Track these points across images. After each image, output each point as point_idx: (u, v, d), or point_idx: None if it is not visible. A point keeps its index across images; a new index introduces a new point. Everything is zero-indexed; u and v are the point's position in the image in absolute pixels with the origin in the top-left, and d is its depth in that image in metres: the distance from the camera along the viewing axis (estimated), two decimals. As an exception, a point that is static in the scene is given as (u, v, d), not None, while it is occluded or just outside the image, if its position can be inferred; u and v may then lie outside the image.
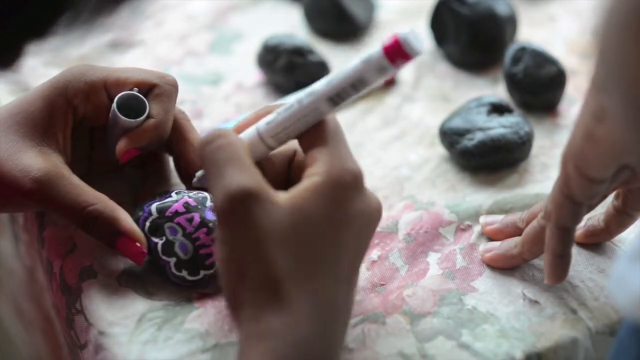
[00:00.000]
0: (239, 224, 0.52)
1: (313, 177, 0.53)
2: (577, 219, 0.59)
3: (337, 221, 0.53)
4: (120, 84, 0.64)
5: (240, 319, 0.52)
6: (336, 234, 0.53)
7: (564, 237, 0.59)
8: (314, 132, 0.55)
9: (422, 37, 0.51)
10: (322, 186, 0.52)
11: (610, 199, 0.63)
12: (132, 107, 0.63)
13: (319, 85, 0.53)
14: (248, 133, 0.56)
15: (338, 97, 0.53)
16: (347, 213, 0.53)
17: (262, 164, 0.57)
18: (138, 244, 0.61)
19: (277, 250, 0.51)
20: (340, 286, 0.53)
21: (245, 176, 0.52)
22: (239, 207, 0.51)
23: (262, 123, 0.56)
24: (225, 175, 0.52)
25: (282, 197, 0.52)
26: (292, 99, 0.55)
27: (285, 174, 0.59)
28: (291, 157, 0.59)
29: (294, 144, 0.58)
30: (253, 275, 0.51)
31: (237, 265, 0.52)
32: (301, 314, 0.51)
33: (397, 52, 0.51)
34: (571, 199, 0.58)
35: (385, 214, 0.69)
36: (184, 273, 0.61)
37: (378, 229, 0.67)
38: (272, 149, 0.57)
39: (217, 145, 0.53)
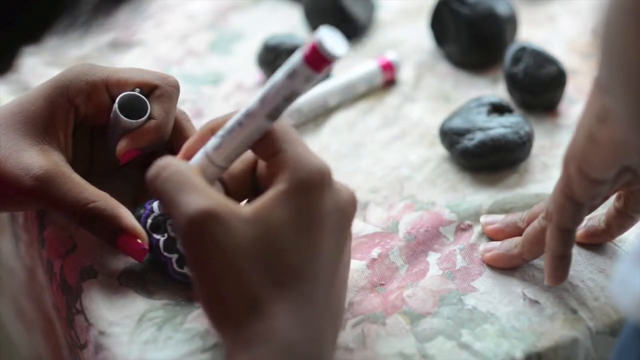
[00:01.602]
0: (205, 246, 0.51)
1: (278, 185, 0.52)
2: (579, 220, 0.59)
3: (307, 224, 0.52)
4: (121, 85, 0.64)
5: (223, 333, 0.53)
6: (308, 237, 0.52)
7: (565, 238, 0.59)
8: (267, 141, 0.54)
9: (339, 37, 0.50)
10: (288, 192, 0.52)
11: (611, 200, 0.63)
12: (133, 107, 0.63)
13: (254, 104, 0.53)
14: (197, 158, 0.56)
15: (275, 112, 0.53)
16: (317, 213, 0.52)
17: (224, 179, 0.58)
18: (139, 241, 0.61)
19: (248, 264, 0.51)
20: (322, 286, 0.53)
21: (200, 198, 0.51)
22: (202, 230, 0.51)
23: (209, 147, 0.55)
24: (181, 202, 0.52)
25: (247, 210, 0.52)
26: (232, 120, 0.54)
27: (249, 183, 0.59)
28: (253, 165, 0.58)
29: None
30: (229, 293, 0.51)
31: (212, 285, 0.52)
32: (283, 321, 0.51)
33: (317, 59, 0.50)
34: (573, 200, 0.58)
35: (385, 214, 0.69)
36: (186, 270, 0.61)
37: (379, 229, 0.67)
38: (225, 168, 0.56)
39: (164, 177, 0.53)
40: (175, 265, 0.61)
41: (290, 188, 0.52)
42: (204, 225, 0.51)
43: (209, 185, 0.53)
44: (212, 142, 0.55)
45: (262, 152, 0.55)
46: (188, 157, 0.57)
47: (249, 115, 0.53)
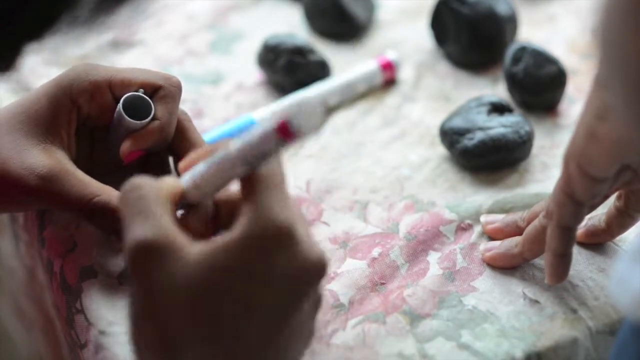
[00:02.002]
0: (139, 278, 0.49)
1: (234, 231, 0.49)
2: (579, 219, 0.59)
3: (252, 280, 0.48)
4: (125, 85, 0.64)
5: None
6: (249, 294, 0.48)
7: (566, 237, 0.59)
8: (249, 181, 0.51)
9: (317, 110, 0.47)
10: (239, 243, 0.48)
11: (612, 199, 0.63)
12: (136, 108, 0.63)
13: (233, 149, 0.51)
14: (186, 178, 0.54)
15: (250, 164, 0.50)
16: (266, 271, 0.48)
17: (218, 200, 0.55)
18: None
19: (174, 309, 0.48)
20: (251, 349, 0.49)
21: (148, 228, 0.49)
22: (140, 261, 0.48)
23: (197, 170, 0.53)
24: (131, 228, 0.49)
25: (193, 251, 0.48)
26: (217, 156, 0.52)
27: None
28: None
29: None
30: (147, 333, 0.49)
31: (135, 319, 0.49)
32: None
33: (288, 134, 0.48)
34: (573, 198, 0.58)
35: (385, 215, 0.69)
36: None
37: (379, 230, 0.67)
38: (211, 194, 0.54)
39: (129, 199, 0.50)
40: None
41: (243, 239, 0.48)
42: (144, 256, 0.48)
43: (166, 216, 0.50)
44: (200, 166, 0.54)
45: (243, 189, 0.52)
46: (188, 167, 0.55)
47: (227, 159, 0.52)
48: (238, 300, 0.48)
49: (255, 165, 0.50)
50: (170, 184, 0.53)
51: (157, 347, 0.48)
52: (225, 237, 0.49)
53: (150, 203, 0.50)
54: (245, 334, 0.49)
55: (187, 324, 0.48)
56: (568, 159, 0.57)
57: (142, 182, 0.51)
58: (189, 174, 0.54)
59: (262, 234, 0.48)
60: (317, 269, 0.49)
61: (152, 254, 0.48)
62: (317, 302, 0.52)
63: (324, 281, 0.51)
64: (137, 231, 0.49)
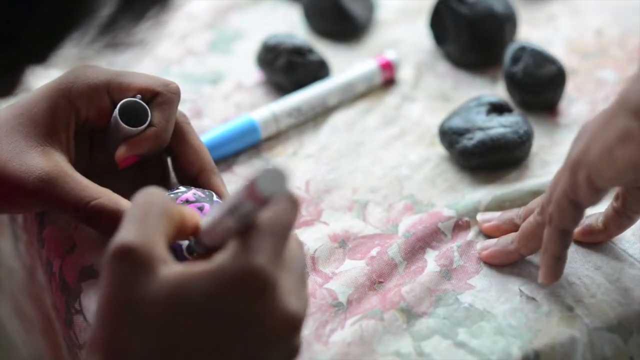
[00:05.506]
0: (111, 279, 0.47)
1: (211, 261, 0.47)
2: (578, 222, 0.60)
3: (210, 316, 0.47)
4: (123, 89, 0.64)
5: None
6: (205, 328, 0.47)
7: (564, 240, 0.60)
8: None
9: (283, 173, 0.46)
10: (210, 275, 0.47)
11: (610, 200, 0.64)
12: (133, 113, 0.63)
13: (222, 212, 0.50)
14: (205, 219, 0.53)
15: (236, 222, 0.49)
16: (229, 311, 0.47)
17: None
18: None
19: (132, 319, 0.47)
20: None
21: (136, 233, 0.47)
22: (117, 262, 0.47)
23: (209, 216, 0.53)
24: (123, 228, 0.48)
25: (171, 271, 0.47)
26: (219, 209, 0.51)
27: None
28: None
29: None
30: (99, 344, 0.47)
31: (94, 324, 0.48)
32: None
33: (256, 196, 0.47)
34: (576, 204, 0.58)
35: (384, 215, 0.69)
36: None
37: (378, 231, 0.67)
38: (214, 242, 0.53)
39: (136, 201, 0.50)
40: (185, 253, 0.58)
41: (214, 273, 0.47)
42: (120, 259, 0.47)
43: (159, 228, 0.49)
44: (211, 212, 0.53)
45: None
46: None
47: (217, 207, 0.52)
48: (194, 330, 0.47)
49: (241, 222, 0.49)
50: (188, 213, 0.52)
51: (102, 351, 0.47)
52: (203, 265, 0.47)
53: (151, 212, 0.49)
54: None
55: (139, 339, 0.46)
56: (577, 167, 0.57)
57: (155, 192, 0.50)
58: (207, 217, 0.53)
59: (234, 273, 0.47)
60: (288, 323, 0.48)
61: (131, 259, 0.47)
62: (291, 353, 0.50)
63: (299, 334, 0.49)
64: (125, 232, 0.48)
